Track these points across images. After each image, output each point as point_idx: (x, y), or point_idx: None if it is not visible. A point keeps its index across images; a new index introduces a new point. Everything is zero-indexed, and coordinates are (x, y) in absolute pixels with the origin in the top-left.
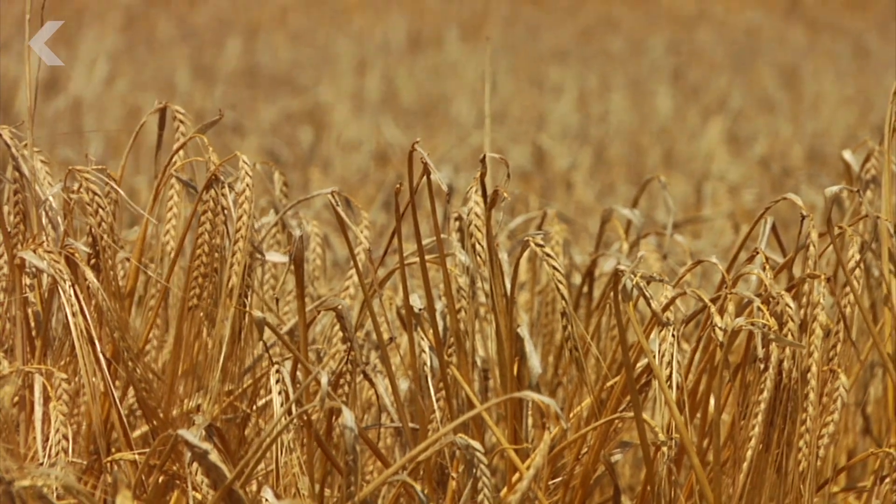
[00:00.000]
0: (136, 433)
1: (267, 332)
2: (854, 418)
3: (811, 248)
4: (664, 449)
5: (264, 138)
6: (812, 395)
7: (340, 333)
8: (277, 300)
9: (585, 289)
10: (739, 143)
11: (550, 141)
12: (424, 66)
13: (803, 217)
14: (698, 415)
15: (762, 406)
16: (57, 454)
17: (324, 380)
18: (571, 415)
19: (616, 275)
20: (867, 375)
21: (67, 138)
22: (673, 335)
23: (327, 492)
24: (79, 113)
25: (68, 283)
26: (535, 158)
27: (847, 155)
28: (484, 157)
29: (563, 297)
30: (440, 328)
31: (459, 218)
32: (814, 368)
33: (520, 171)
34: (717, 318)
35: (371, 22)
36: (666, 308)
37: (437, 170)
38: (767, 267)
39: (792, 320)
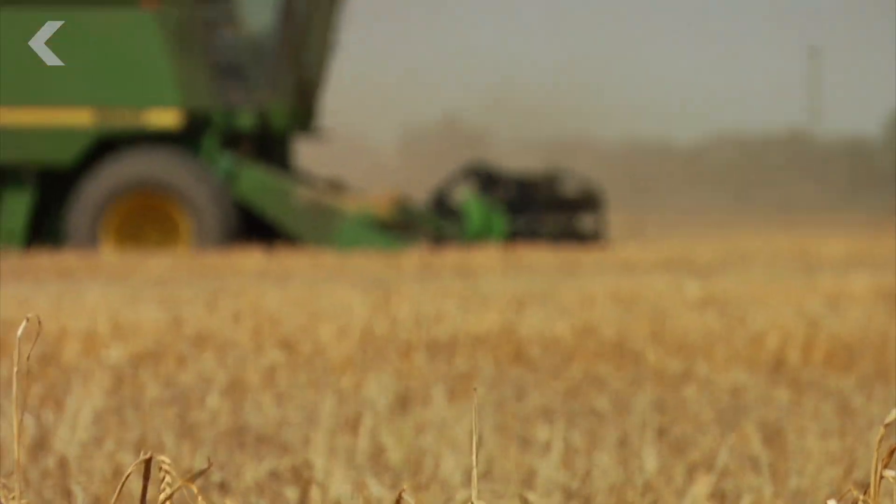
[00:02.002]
0: None
1: None
2: None
3: None
4: None
5: (250, 497)
6: None
7: None
8: None
9: None
10: (726, 499)
11: (536, 497)
12: (411, 424)
13: None
14: None
15: None
16: None
17: None
18: None
19: None
20: None
21: (54, 497)
22: None
23: None
24: (65, 472)
25: None
26: None
27: None
28: None
29: None
30: None
31: None
32: None
33: None
34: None
35: (358, 380)
36: None
37: None
38: None
39: None
